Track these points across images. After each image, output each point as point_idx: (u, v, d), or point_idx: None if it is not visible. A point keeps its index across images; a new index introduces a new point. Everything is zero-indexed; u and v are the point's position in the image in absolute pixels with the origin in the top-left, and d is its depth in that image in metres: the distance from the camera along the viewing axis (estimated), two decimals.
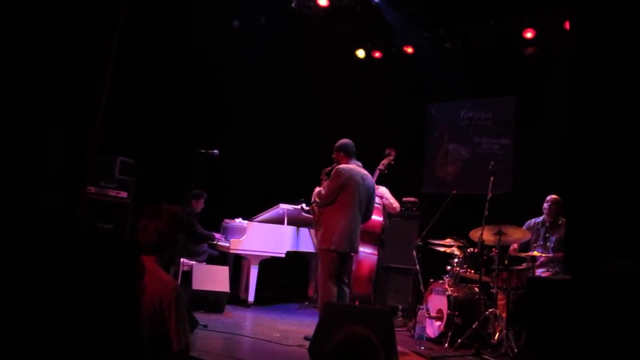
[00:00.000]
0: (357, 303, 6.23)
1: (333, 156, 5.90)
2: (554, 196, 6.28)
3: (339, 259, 5.52)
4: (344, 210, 5.53)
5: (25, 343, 1.50)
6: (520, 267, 5.92)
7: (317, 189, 5.91)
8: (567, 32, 7.15)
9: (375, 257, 6.58)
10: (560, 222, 6.19)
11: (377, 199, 6.79)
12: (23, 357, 1.50)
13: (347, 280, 5.75)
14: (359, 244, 5.77)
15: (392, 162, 6.94)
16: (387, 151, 7.00)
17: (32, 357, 1.51)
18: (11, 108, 3.07)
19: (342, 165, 5.68)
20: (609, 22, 3.93)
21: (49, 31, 3.19)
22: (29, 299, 1.52)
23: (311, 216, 6.65)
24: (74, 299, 1.58)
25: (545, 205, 6.30)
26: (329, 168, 6.00)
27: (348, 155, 5.79)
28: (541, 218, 6.37)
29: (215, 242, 7.74)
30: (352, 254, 5.78)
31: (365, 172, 5.82)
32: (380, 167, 6.89)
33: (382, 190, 6.95)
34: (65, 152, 3.33)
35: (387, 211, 6.98)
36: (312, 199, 5.96)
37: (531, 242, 6.23)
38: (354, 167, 5.71)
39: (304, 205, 7.36)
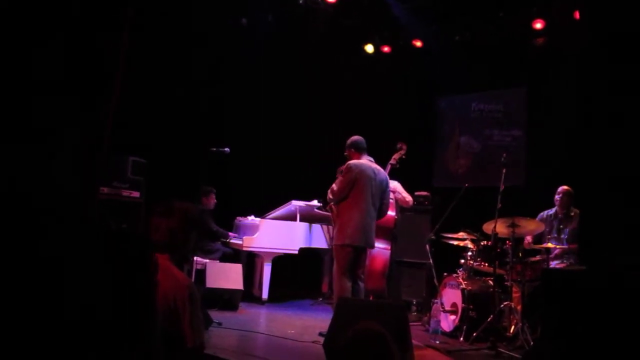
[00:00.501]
0: (371, 298, 6.22)
1: (345, 153, 5.91)
2: (565, 187, 6.23)
3: (354, 254, 5.54)
4: (357, 205, 5.55)
5: (38, 341, 1.51)
6: (534, 259, 5.89)
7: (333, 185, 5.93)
8: (577, 22, 7.10)
9: (388, 252, 6.57)
10: (572, 214, 6.14)
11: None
12: (35, 355, 1.51)
13: (362, 276, 5.74)
14: (374, 239, 5.76)
15: (404, 157, 6.91)
16: (398, 145, 6.97)
17: (45, 355, 1.52)
18: (27, 109, 3.10)
19: (353, 161, 5.69)
20: (618, 15, 3.90)
21: (62, 28, 3.20)
22: (42, 297, 1.53)
23: (327, 213, 6.65)
24: (88, 297, 1.58)
25: (557, 197, 6.25)
26: (343, 166, 6.01)
27: (359, 151, 5.80)
28: (553, 210, 6.33)
29: (228, 240, 7.76)
30: (368, 248, 5.78)
31: (377, 166, 5.82)
32: (392, 161, 6.87)
33: (395, 184, 6.93)
34: (77, 151, 3.35)
35: (399, 205, 6.97)
36: (328, 197, 5.96)
37: (545, 234, 6.20)
38: (365, 162, 5.72)
39: (315, 202, 7.38)
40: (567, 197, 6.18)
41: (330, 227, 7.15)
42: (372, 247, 5.84)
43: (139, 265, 1.75)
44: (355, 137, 5.90)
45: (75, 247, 1.60)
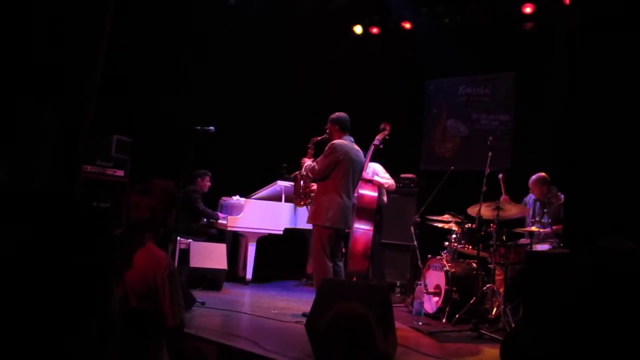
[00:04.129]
0: (354, 279, 6.23)
1: (326, 127, 5.85)
2: (533, 177, 6.27)
3: (335, 236, 5.54)
4: (338, 187, 5.54)
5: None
6: (518, 242, 5.92)
7: (307, 160, 5.86)
8: (567, 6, 7.07)
9: (371, 233, 6.57)
10: (554, 200, 6.16)
11: (372, 176, 6.78)
12: None
13: (340, 257, 5.76)
14: (352, 220, 5.77)
15: (387, 137, 6.89)
16: (381, 126, 6.94)
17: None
18: (8, 89, 3.05)
19: (337, 141, 5.64)
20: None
21: (44, 11, 3.14)
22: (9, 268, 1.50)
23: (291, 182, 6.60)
24: (37, 270, 1.56)
25: (530, 190, 6.30)
26: (319, 138, 5.96)
27: (343, 130, 5.76)
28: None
29: (217, 221, 7.72)
30: (347, 230, 5.80)
31: (357, 147, 5.81)
32: (375, 142, 6.83)
33: (376, 167, 6.89)
34: (60, 130, 3.31)
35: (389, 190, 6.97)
36: (303, 171, 5.89)
37: (528, 217, 6.24)
38: (348, 143, 5.68)
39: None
40: (540, 185, 6.21)
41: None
42: (350, 228, 5.91)
43: (96, 236, 1.72)
44: (341, 114, 5.81)
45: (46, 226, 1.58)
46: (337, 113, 5.82)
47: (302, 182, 6.25)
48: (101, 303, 1.77)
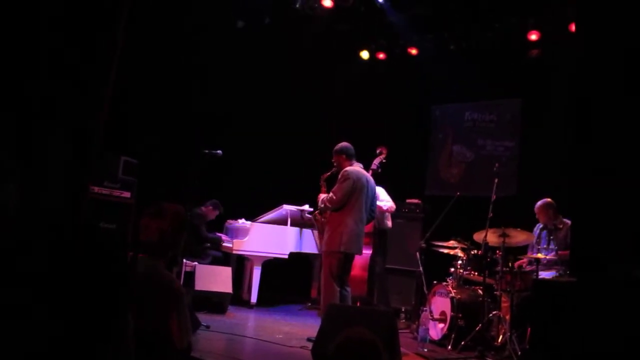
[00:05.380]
0: (357, 304, 6.21)
1: (333, 160, 5.90)
2: (539, 203, 6.26)
3: (344, 260, 5.56)
4: (351, 212, 5.59)
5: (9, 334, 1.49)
6: (524, 270, 5.90)
7: (322, 195, 5.90)
8: (572, 34, 7.13)
9: (368, 256, 6.57)
10: (561, 225, 6.14)
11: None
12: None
13: (348, 282, 5.75)
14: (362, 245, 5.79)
15: (384, 161, 6.92)
16: (378, 150, 6.98)
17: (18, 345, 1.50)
18: (15, 108, 3.08)
19: (349, 168, 5.71)
20: (613, 29, 3.91)
21: (52, 29, 3.18)
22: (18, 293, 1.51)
23: (309, 218, 6.62)
24: (59, 297, 1.57)
25: (537, 215, 6.28)
26: (328, 173, 6.01)
27: (350, 158, 5.83)
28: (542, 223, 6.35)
29: (220, 243, 7.72)
30: (356, 255, 5.80)
31: (366, 173, 5.89)
32: (373, 166, 6.86)
33: (379, 191, 6.91)
34: (69, 151, 3.33)
35: (388, 213, 6.98)
36: (321, 204, 5.88)
37: (534, 245, 6.21)
38: (358, 169, 5.75)
39: (306, 207, 7.34)
40: (546, 210, 6.19)
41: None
42: (361, 253, 5.88)
43: (112, 262, 1.73)
44: (345, 144, 5.88)
45: (58, 248, 1.59)
46: (340, 144, 5.89)
47: (322, 218, 6.21)
48: (116, 329, 1.77)
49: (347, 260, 5.62)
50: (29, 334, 1.52)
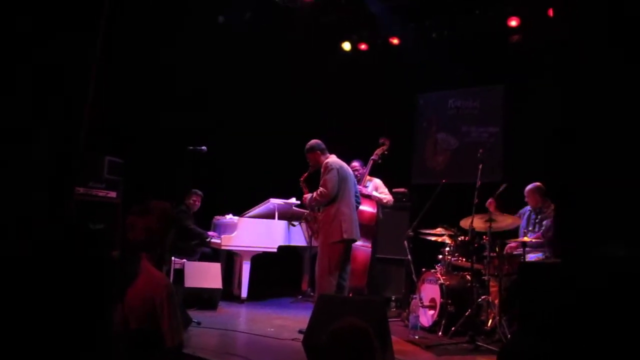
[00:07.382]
0: (350, 295, 6.24)
1: (307, 160, 5.90)
2: (529, 187, 6.32)
3: (345, 248, 5.62)
4: (343, 200, 5.63)
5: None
6: (511, 253, 5.95)
7: (307, 195, 5.89)
8: (551, 19, 7.18)
9: (370, 250, 6.60)
10: (547, 209, 6.20)
11: (372, 191, 6.86)
12: None
13: (348, 271, 5.77)
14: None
15: (386, 152, 6.96)
16: (381, 140, 7.02)
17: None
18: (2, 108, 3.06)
19: (329, 160, 5.72)
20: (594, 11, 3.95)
21: (36, 32, 3.17)
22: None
23: (304, 211, 6.62)
24: (41, 298, 1.57)
25: (526, 198, 6.35)
26: (306, 174, 6.00)
27: (324, 152, 5.85)
28: (530, 206, 6.41)
29: (208, 240, 7.72)
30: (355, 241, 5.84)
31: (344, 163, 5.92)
32: (374, 157, 6.91)
33: (377, 182, 6.97)
34: (53, 152, 3.32)
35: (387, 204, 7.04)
36: (312, 202, 5.82)
37: (521, 228, 6.27)
38: (337, 158, 5.78)
39: (293, 200, 7.34)
40: (536, 194, 6.26)
41: (305, 224, 7.13)
42: (359, 238, 5.90)
43: (97, 263, 1.74)
44: (314, 140, 5.88)
45: (41, 248, 1.59)
46: (309, 143, 5.89)
47: (314, 216, 6.16)
48: (102, 331, 1.78)
49: (348, 247, 5.67)
50: (14, 336, 1.52)
